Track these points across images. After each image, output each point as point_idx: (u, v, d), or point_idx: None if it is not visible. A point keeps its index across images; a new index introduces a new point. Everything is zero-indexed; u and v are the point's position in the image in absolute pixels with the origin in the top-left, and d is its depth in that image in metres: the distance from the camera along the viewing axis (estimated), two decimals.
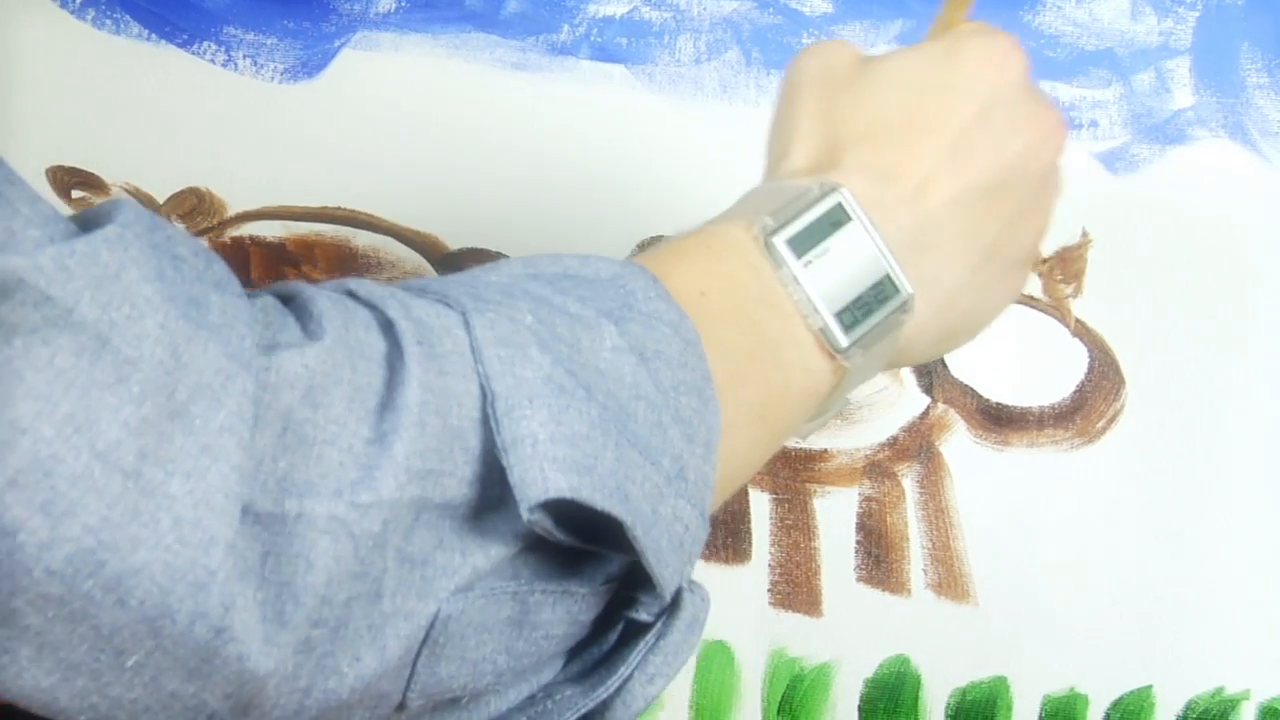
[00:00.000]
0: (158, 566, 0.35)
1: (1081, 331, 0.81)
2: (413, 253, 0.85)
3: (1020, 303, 0.81)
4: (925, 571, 0.82)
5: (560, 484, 0.39)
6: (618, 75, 0.84)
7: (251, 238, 0.85)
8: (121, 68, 0.85)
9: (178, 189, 0.85)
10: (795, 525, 0.83)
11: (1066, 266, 0.81)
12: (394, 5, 0.84)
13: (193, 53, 0.85)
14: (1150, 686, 0.82)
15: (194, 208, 0.85)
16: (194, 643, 0.36)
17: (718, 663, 0.84)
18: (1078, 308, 0.81)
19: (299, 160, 0.85)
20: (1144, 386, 0.81)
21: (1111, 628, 0.82)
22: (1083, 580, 0.82)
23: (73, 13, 0.85)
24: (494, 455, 0.40)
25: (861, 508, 0.83)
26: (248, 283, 0.85)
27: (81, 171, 0.85)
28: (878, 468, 0.83)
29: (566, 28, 0.84)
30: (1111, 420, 0.81)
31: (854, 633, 0.83)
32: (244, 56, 0.85)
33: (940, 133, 0.52)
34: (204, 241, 0.85)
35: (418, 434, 0.39)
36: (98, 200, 0.86)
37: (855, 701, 0.83)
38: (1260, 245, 0.80)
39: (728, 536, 0.83)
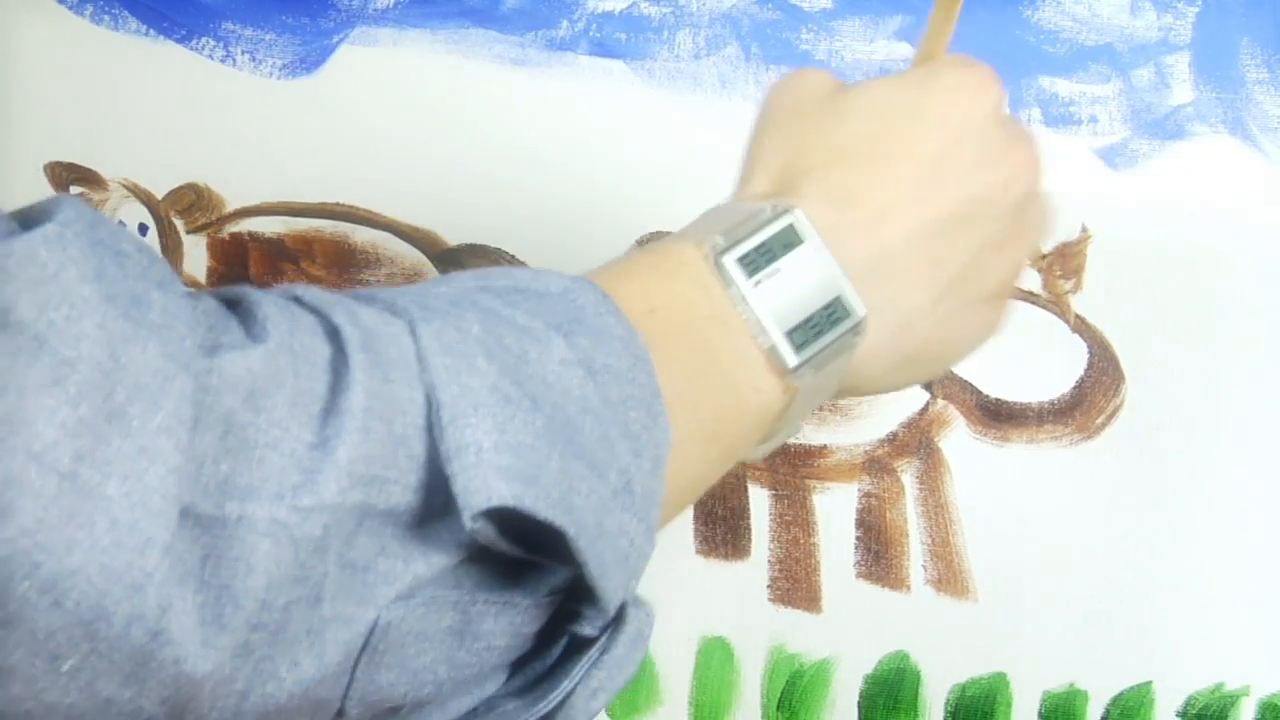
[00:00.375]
0: (94, 568, 0.35)
1: (1081, 327, 0.81)
2: (411, 248, 0.85)
3: (1020, 298, 0.80)
4: (925, 567, 0.82)
5: (503, 492, 0.39)
6: (617, 71, 0.84)
7: (250, 234, 0.86)
8: (119, 64, 0.86)
9: (176, 185, 0.86)
10: (795, 521, 0.83)
11: (1066, 262, 0.81)
12: (392, 1, 0.84)
13: (191, 48, 0.86)
14: (1150, 682, 0.81)
15: (192, 203, 0.86)
16: (130, 646, 0.36)
17: (717, 659, 0.84)
18: (1077, 303, 0.81)
19: (298, 156, 0.85)
20: (1144, 382, 0.81)
21: (1111, 623, 0.81)
22: (1082, 576, 0.81)
23: (71, 8, 0.86)
24: (438, 463, 0.40)
25: (861, 504, 0.83)
26: (247, 279, 0.86)
27: (79, 167, 0.86)
28: (877, 464, 0.82)
29: (565, 23, 0.84)
30: (1111, 416, 0.81)
31: (853, 629, 0.83)
32: (242, 52, 0.85)
33: (906, 162, 0.52)
34: (203, 238, 0.86)
35: (361, 439, 0.39)
36: (96, 196, 0.86)
37: (855, 698, 0.83)
38: (1260, 241, 0.79)
39: (727, 532, 0.83)
